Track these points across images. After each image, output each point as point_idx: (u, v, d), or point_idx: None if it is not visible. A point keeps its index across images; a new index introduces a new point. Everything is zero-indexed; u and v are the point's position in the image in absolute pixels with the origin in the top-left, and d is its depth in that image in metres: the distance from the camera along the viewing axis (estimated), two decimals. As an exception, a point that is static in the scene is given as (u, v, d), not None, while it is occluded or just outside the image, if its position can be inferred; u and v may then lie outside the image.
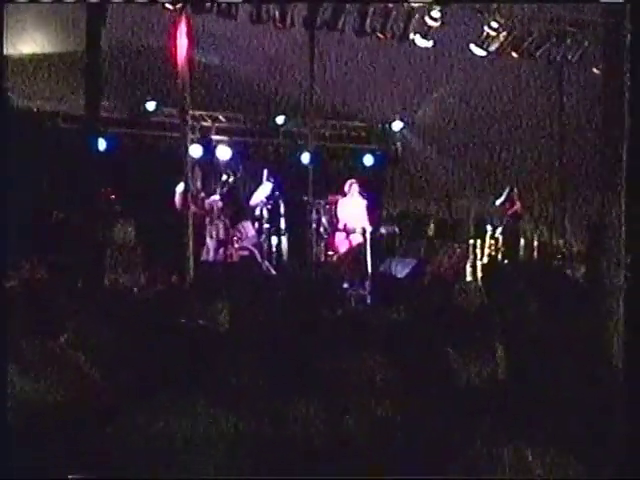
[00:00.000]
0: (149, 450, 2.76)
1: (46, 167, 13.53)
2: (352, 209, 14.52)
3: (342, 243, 14.42)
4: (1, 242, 4.42)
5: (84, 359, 3.74)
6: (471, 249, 14.56)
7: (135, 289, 10.19)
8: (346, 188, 14.61)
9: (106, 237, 12.31)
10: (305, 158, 14.87)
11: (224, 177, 14.24)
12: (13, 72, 13.58)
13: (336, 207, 14.60)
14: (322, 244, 14.34)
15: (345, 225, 14.41)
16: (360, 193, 14.61)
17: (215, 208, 13.81)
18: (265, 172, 14.52)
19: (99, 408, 3.35)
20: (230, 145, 15.81)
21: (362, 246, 14.30)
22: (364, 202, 14.60)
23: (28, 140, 13.76)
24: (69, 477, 2.74)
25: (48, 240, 12.62)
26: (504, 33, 14.29)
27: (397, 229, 15.43)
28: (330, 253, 14.37)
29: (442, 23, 13.74)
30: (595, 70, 13.86)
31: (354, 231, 14.39)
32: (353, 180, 14.74)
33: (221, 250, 13.60)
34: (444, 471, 2.09)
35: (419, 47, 14.13)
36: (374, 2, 13.41)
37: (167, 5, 11.76)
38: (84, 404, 3.43)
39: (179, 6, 11.60)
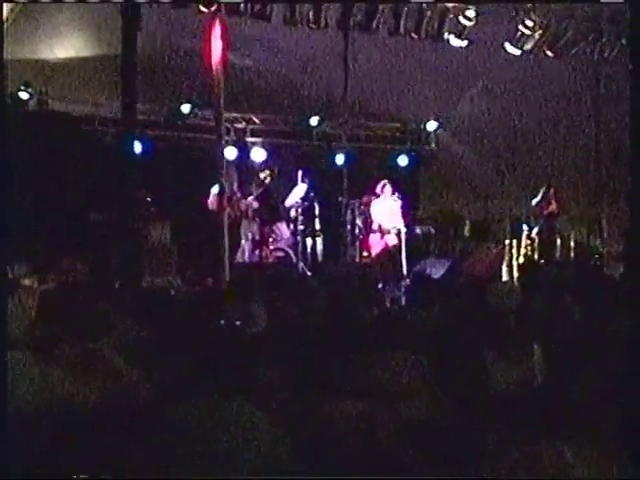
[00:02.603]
0: (185, 450, 2.77)
1: (83, 170, 13.65)
2: (385, 210, 14.46)
3: (377, 244, 14.38)
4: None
5: (121, 360, 3.78)
6: (507, 249, 14.48)
7: (171, 290, 10.24)
8: (378, 189, 14.53)
9: (142, 239, 12.39)
10: (339, 159, 14.87)
11: (259, 178, 14.28)
12: (50, 76, 13.74)
13: (370, 208, 14.56)
14: (357, 245, 14.31)
15: (379, 225, 14.36)
16: (394, 193, 14.54)
17: (250, 209, 13.85)
18: (300, 173, 14.54)
19: (136, 409, 3.37)
20: (264, 147, 15.85)
21: (397, 247, 14.28)
22: (398, 202, 14.52)
23: (65, 143, 13.91)
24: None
25: (85, 242, 12.72)
26: (539, 31, 14.22)
27: (432, 229, 15.38)
28: (365, 254, 14.34)
29: (476, 22, 13.69)
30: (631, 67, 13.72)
31: (388, 232, 14.34)
32: (385, 181, 14.66)
33: (256, 251, 13.63)
34: (479, 472, 2.08)
35: (453, 47, 14.09)
36: (409, 2, 13.39)
37: (202, 8, 11.82)
38: (121, 405, 3.46)
39: (213, 8, 11.65)
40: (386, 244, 14.36)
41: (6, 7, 12.29)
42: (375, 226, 14.38)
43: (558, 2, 14.15)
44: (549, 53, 14.55)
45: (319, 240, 14.32)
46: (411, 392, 3.06)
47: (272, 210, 14.22)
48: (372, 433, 2.92)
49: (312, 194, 14.22)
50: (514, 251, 14.44)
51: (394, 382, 3.12)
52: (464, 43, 13.98)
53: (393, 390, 3.10)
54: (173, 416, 2.83)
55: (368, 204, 14.57)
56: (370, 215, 14.47)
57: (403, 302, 9.73)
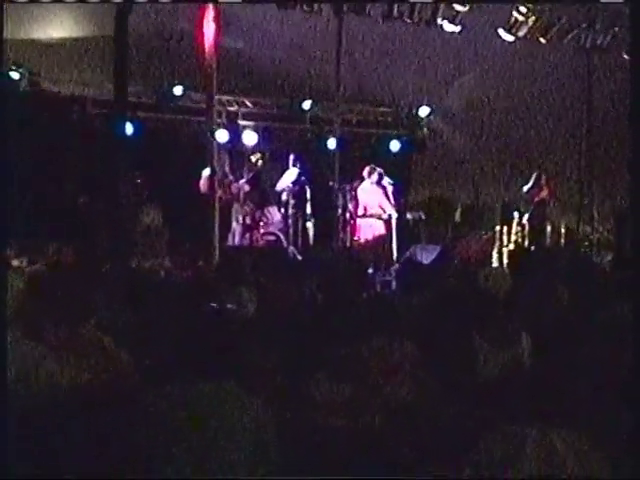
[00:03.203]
0: (173, 431, 2.78)
1: (74, 151, 13.61)
2: (371, 194, 14.41)
3: (366, 228, 14.38)
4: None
5: (111, 342, 3.78)
6: (498, 235, 14.51)
7: (162, 273, 10.24)
8: (365, 173, 14.48)
9: (133, 221, 12.38)
10: (331, 143, 14.84)
11: (251, 162, 14.26)
12: (42, 56, 13.67)
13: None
14: (348, 229, 14.31)
15: (365, 209, 14.34)
16: (383, 178, 14.50)
17: (241, 193, 13.84)
18: (291, 157, 14.52)
19: (125, 390, 3.38)
20: (256, 130, 15.81)
21: (388, 232, 14.29)
22: (389, 188, 14.49)
23: (56, 124, 13.85)
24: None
25: (75, 224, 12.70)
26: (532, 18, 14.19)
27: (423, 215, 15.39)
28: (355, 238, 14.34)
29: (470, 8, 13.66)
30: (625, 55, 13.74)
31: (379, 216, 14.33)
32: (372, 166, 14.61)
33: (247, 235, 13.63)
34: (466, 456, 2.10)
35: (447, 32, 14.06)
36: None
37: (195, -10, 11.77)
38: (111, 386, 3.47)
39: (206, -9, 11.59)
40: (376, 229, 14.36)
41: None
42: (360, 210, 14.36)
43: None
44: (542, 40, 14.52)
45: (310, 224, 14.32)
46: (400, 375, 3.07)
47: (263, 194, 14.22)
48: (361, 416, 2.94)
49: (303, 178, 14.21)
50: (504, 237, 14.47)
51: (383, 366, 3.14)
52: (457, 29, 13.94)
53: (382, 373, 3.11)
54: (163, 397, 2.84)
55: (357, 189, 14.55)
56: (356, 199, 14.43)
57: (393, 287, 9.75)
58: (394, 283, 10.07)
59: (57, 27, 13.40)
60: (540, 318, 4.32)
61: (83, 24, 13.38)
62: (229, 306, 4.32)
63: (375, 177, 14.41)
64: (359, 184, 14.46)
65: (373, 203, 14.38)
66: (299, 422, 2.96)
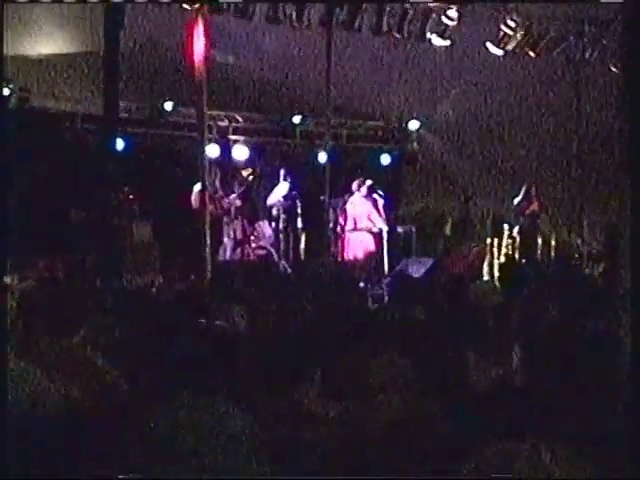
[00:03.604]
0: (165, 450, 2.77)
1: (65, 167, 13.59)
2: (360, 207, 14.43)
3: (358, 242, 14.39)
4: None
5: (101, 358, 3.77)
6: (488, 248, 14.53)
7: (153, 289, 10.22)
8: (354, 187, 14.50)
9: (124, 237, 12.36)
10: (322, 157, 14.86)
11: (241, 177, 14.27)
12: (32, 72, 13.67)
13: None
14: (339, 243, 14.32)
15: (355, 223, 14.35)
16: (375, 191, 14.52)
17: (232, 208, 13.84)
18: (282, 172, 14.53)
19: (115, 407, 3.37)
20: (247, 145, 15.83)
21: (378, 245, 14.29)
22: (378, 200, 14.50)
23: (47, 140, 13.84)
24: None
25: (66, 240, 12.68)
26: (521, 32, 14.27)
27: (414, 228, 15.40)
28: (346, 252, 14.34)
29: (459, 22, 13.73)
30: (613, 68, 13.81)
31: (367, 230, 14.34)
32: (362, 179, 14.62)
33: (238, 249, 13.62)
34: (459, 470, 2.09)
35: (436, 46, 14.12)
36: (392, 2, 13.40)
37: (184, 5, 11.79)
38: (100, 403, 3.45)
39: (196, 6, 11.62)
40: (366, 243, 14.37)
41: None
42: (351, 224, 14.37)
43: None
44: (531, 53, 14.60)
45: (301, 238, 14.32)
46: (391, 390, 3.07)
47: (254, 208, 14.22)
48: (354, 431, 2.93)
49: (294, 192, 14.22)
50: (495, 250, 14.48)
51: (375, 380, 3.13)
52: (446, 43, 14.02)
53: (374, 388, 3.11)
54: (153, 414, 2.83)
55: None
56: (346, 212, 14.45)
57: (384, 301, 9.74)
58: (385, 297, 10.06)
59: (47, 43, 13.42)
60: (532, 331, 4.33)
61: (73, 40, 13.40)
62: (219, 322, 4.32)
63: (364, 190, 14.42)
64: (348, 198, 14.48)
65: (362, 216, 14.38)
66: (291, 438, 2.95)
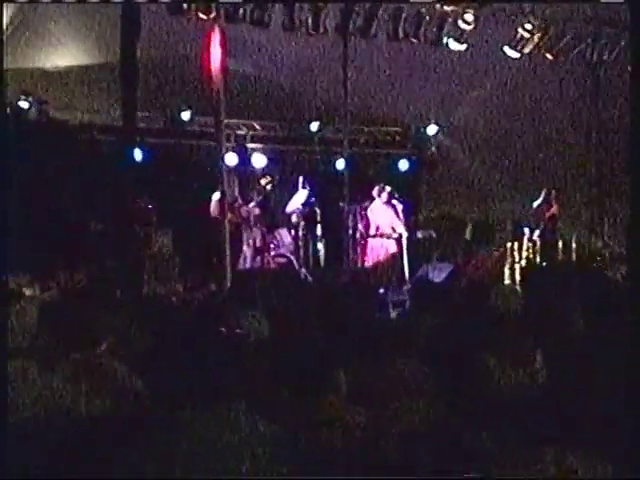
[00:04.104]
0: (186, 456, 2.77)
1: (84, 178, 13.65)
2: (383, 213, 14.42)
3: (377, 248, 14.37)
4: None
5: (123, 368, 3.77)
6: (509, 252, 14.46)
7: (173, 298, 10.24)
8: (375, 192, 14.50)
9: (144, 247, 12.40)
10: (340, 164, 14.86)
11: (260, 185, 14.28)
12: (50, 85, 13.76)
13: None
14: (359, 250, 14.31)
15: (377, 229, 14.34)
16: (394, 197, 14.51)
17: (251, 216, 13.85)
18: (301, 179, 14.54)
19: (138, 417, 3.37)
20: (265, 153, 15.85)
21: (399, 251, 14.27)
22: (399, 206, 14.49)
23: (66, 152, 13.92)
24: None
25: (86, 251, 12.73)
26: (538, 35, 14.21)
27: (434, 233, 15.37)
28: (366, 259, 14.33)
29: (475, 26, 13.70)
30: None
31: (388, 236, 14.33)
32: (382, 185, 14.62)
33: (258, 258, 13.63)
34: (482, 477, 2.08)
35: (453, 51, 14.09)
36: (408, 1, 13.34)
37: (200, 15, 11.83)
38: (123, 413, 3.46)
39: (212, 15, 11.66)
40: (387, 249, 14.35)
41: (6, 17, 12.31)
42: (372, 230, 14.36)
43: (558, 2, 14.11)
44: (548, 56, 14.54)
45: (321, 246, 14.32)
46: (414, 396, 3.05)
47: (273, 216, 14.23)
48: (374, 438, 2.92)
49: (313, 200, 14.22)
50: (516, 254, 14.41)
51: (396, 387, 3.12)
52: (463, 47, 13.98)
53: (395, 394, 3.10)
54: (175, 424, 2.83)
55: (367, 209, 14.55)
56: (369, 219, 14.44)
57: (405, 307, 9.71)
58: (406, 303, 10.02)
59: (64, 55, 13.50)
60: (554, 335, 4.30)
61: (90, 52, 13.47)
62: (239, 331, 4.31)
63: (385, 196, 14.41)
64: (369, 204, 14.46)
65: (385, 223, 14.37)
66: (312, 445, 2.94)
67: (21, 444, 3.15)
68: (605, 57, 14.74)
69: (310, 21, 12.97)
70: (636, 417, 2.50)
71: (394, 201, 14.45)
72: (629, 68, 13.36)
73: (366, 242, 14.35)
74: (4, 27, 8.24)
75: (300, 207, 14.19)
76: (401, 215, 14.51)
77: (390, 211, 14.43)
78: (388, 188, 14.49)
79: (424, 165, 17.60)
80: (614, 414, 2.56)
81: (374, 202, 14.43)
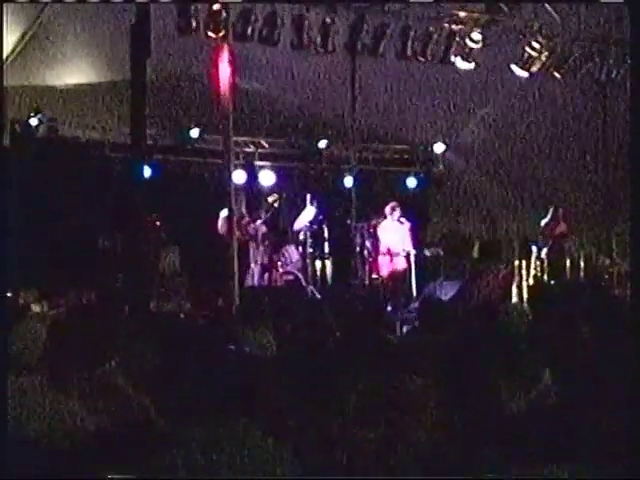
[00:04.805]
0: (195, 475, 2.77)
1: (93, 195, 13.69)
2: (394, 232, 14.43)
3: (386, 266, 14.36)
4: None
5: (130, 386, 3.78)
6: (517, 270, 14.45)
7: (181, 315, 10.25)
8: (387, 210, 14.51)
9: (152, 264, 12.42)
10: (348, 182, 14.89)
11: (267, 202, 14.30)
12: (60, 102, 13.82)
13: (378, 230, 14.52)
14: (366, 268, 14.30)
15: (388, 248, 14.34)
16: (403, 215, 14.52)
17: (259, 233, 13.86)
18: (308, 196, 14.55)
19: (147, 433, 3.37)
20: (273, 170, 15.88)
21: (406, 269, 14.26)
22: (407, 225, 14.50)
23: (75, 169, 13.97)
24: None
25: (95, 268, 12.75)
26: (545, 53, 14.24)
27: (441, 251, 15.36)
28: (374, 277, 14.32)
29: (483, 45, 13.73)
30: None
31: (397, 254, 14.32)
32: (394, 203, 14.64)
33: (266, 275, 13.62)
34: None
35: (460, 69, 14.13)
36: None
37: (210, 33, 11.89)
38: (131, 430, 3.46)
39: (221, 34, 11.71)
40: (395, 267, 14.34)
41: (15, 35, 12.39)
42: (383, 249, 14.36)
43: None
44: (556, 74, 14.56)
45: (328, 263, 14.31)
46: (421, 415, 3.05)
47: (281, 233, 14.23)
48: (383, 456, 2.92)
49: (321, 217, 14.23)
50: (524, 272, 14.40)
51: (405, 406, 3.12)
52: (471, 66, 14.01)
53: (404, 413, 3.10)
54: (182, 441, 2.83)
55: (377, 227, 14.55)
56: (378, 238, 14.44)
57: (412, 325, 9.70)
58: (413, 321, 10.02)
59: (74, 73, 13.57)
60: (561, 354, 4.29)
61: (99, 70, 13.54)
62: (247, 349, 4.31)
63: (397, 214, 14.41)
64: (378, 222, 14.46)
65: (395, 241, 14.36)
66: (320, 463, 2.94)
67: (28, 460, 3.16)
68: (612, 76, 14.75)
69: (319, 39, 13.02)
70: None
71: (402, 219, 14.46)
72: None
73: (374, 260, 14.34)
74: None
75: (308, 224, 14.19)
76: (409, 233, 14.51)
77: (400, 229, 14.44)
78: (399, 207, 14.49)
79: (431, 183, 17.61)
80: (622, 431, 2.56)
81: (385, 220, 14.43)
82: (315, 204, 14.38)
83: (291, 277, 13.77)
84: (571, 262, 15.20)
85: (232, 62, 11.32)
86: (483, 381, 3.48)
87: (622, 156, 15.11)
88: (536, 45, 14.15)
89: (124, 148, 12.76)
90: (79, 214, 13.59)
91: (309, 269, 13.95)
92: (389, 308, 11.56)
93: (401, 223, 14.44)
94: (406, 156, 17.56)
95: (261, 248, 13.78)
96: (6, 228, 5.94)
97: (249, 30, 12.60)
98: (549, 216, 15.46)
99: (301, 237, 14.16)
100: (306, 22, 12.84)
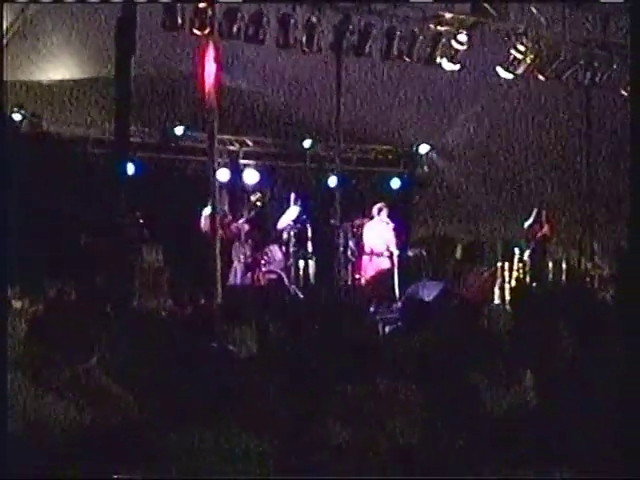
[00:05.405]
0: (174, 473, 2.77)
1: (75, 191, 13.64)
2: (379, 233, 14.46)
3: (369, 266, 14.38)
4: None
5: (112, 383, 3.77)
6: (499, 272, 14.50)
7: (163, 313, 10.21)
8: (374, 211, 14.54)
9: (134, 261, 12.37)
10: (332, 181, 14.89)
11: (251, 201, 14.29)
12: (43, 98, 13.76)
13: (363, 230, 14.54)
14: (349, 267, 14.31)
15: (371, 249, 14.36)
16: (387, 216, 14.55)
17: (242, 232, 13.84)
18: (292, 196, 14.55)
19: (127, 430, 3.36)
20: (257, 169, 15.87)
21: (389, 269, 14.28)
22: (391, 226, 14.54)
23: (58, 165, 13.91)
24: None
25: (76, 265, 12.69)
26: (531, 56, 14.27)
27: (424, 252, 15.39)
28: (357, 276, 14.33)
29: (469, 47, 13.75)
30: (623, 92, 13.82)
31: (381, 254, 14.34)
32: (382, 204, 14.66)
33: (248, 274, 13.61)
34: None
35: (446, 70, 14.15)
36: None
37: (195, 31, 11.86)
38: (112, 428, 3.45)
39: (207, 32, 11.68)
40: (378, 267, 14.35)
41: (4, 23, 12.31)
42: (367, 249, 14.38)
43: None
44: (541, 77, 14.60)
45: (311, 263, 14.31)
46: (402, 415, 3.05)
47: (264, 232, 14.22)
48: (365, 457, 2.92)
49: (304, 216, 14.23)
50: (506, 274, 14.46)
51: (387, 406, 3.12)
52: (456, 67, 14.03)
53: (386, 414, 3.10)
54: (164, 438, 2.82)
55: (360, 227, 14.57)
56: (362, 238, 14.47)
57: (395, 325, 9.71)
58: (396, 321, 10.03)
59: (58, 69, 13.50)
60: (543, 356, 4.30)
61: (84, 66, 13.48)
62: (230, 347, 4.31)
63: (384, 215, 14.44)
64: (362, 222, 14.49)
65: (380, 241, 14.39)
66: (303, 464, 2.94)
67: (11, 456, 3.14)
68: (597, 79, 14.81)
69: (304, 38, 13.00)
70: (625, 432, 2.51)
71: (387, 220, 14.50)
72: (623, 92, 13.43)
73: (357, 260, 14.36)
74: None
75: (291, 223, 14.19)
76: (393, 233, 14.54)
77: (386, 230, 14.47)
78: (386, 208, 14.52)
79: (415, 184, 17.64)
80: (603, 435, 2.57)
81: (372, 220, 14.46)
82: (299, 203, 14.38)
83: (274, 276, 13.76)
84: (553, 264, 15.26)
85: (217, 60, 11.30)
86: (463, 381, 3.49)
87: (605, 159, 15.19)
88: (521, 48, 14.19)
89: (108, 144, 12.73)
90: (61, 210, 13.53)
91: (292, 268, 13.94)
92: (372, 308, 11.57)
93: (387, 224, 14.48)
94: (390, 157, 17.58)
95: (244, 247, 13.76)
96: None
97: (235, 28, 12.55)
98: (532, 218, 15.51)
99: (285, 236, 14.16)
100: (292, 21, 12.82)
